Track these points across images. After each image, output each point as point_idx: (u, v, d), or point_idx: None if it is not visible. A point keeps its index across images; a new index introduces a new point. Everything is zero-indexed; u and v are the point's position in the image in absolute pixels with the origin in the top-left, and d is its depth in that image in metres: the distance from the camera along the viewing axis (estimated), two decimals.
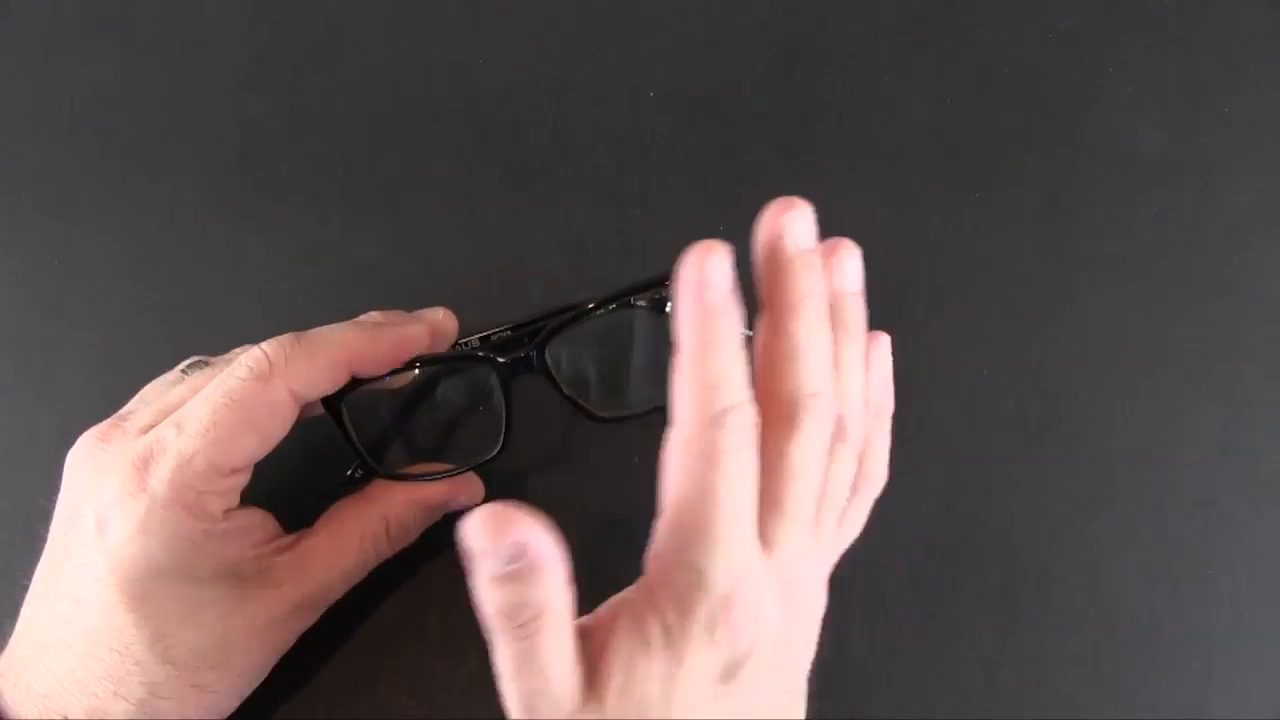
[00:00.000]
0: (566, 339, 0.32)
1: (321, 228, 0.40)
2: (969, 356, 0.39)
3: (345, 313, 0.34)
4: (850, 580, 0.37)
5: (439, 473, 0.33)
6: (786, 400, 0.25)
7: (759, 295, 0.26)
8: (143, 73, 0.42)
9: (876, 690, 0.36)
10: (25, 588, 0.31)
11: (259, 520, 0.31)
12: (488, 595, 0.23)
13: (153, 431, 0.29)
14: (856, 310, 0.28)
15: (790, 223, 0.25)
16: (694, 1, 0.43)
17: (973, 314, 0.40)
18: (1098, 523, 0.38)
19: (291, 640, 0.32)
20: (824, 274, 0.26)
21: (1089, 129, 0.42)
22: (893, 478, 0.37)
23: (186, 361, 0.33)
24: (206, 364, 0.32)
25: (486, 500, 0.34)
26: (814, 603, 0.28)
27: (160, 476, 0.28)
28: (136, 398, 0.32)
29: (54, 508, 0.31)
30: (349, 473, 0.33)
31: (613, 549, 0.37)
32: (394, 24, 0.43)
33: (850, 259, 0.28)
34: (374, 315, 0.33)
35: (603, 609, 0.26)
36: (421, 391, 0.35)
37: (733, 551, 0.23)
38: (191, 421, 0.28)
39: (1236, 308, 0.40)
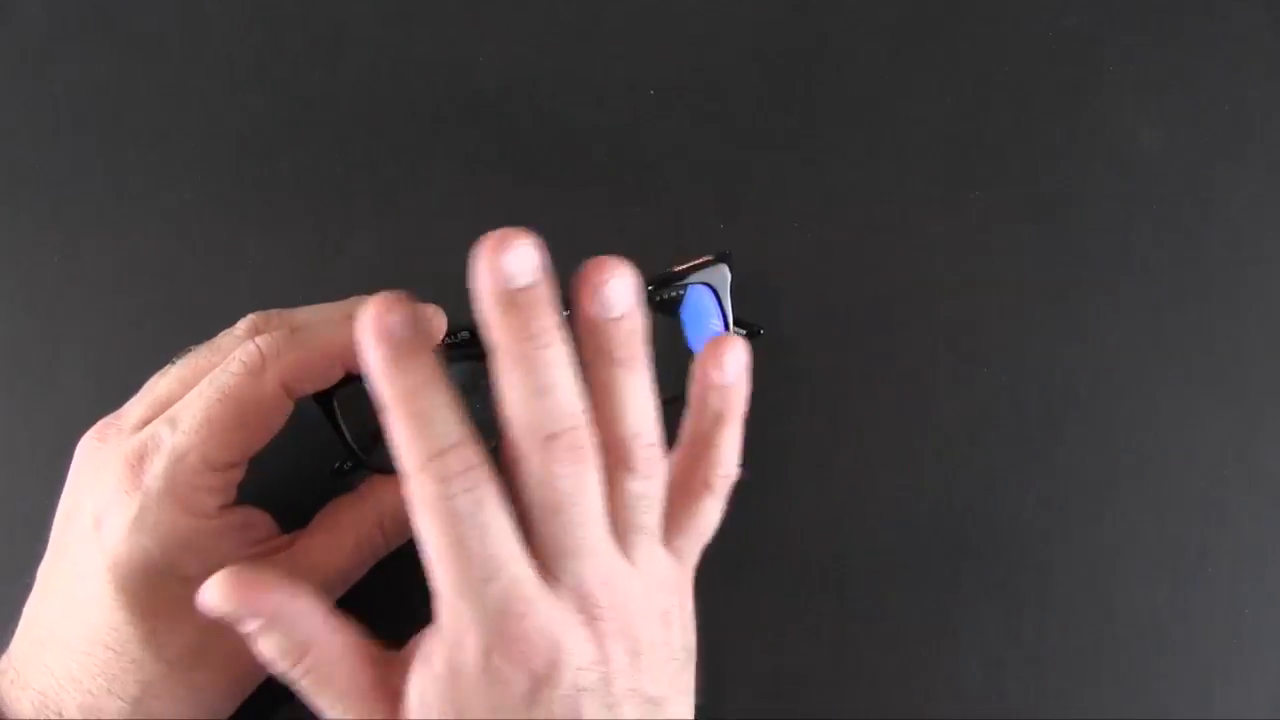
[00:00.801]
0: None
1: (321, 228, 0.40)
2: (969, 356, 0.39)
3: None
4: (850, 580, 0.37)
5: None
6: (523, 441, 0.25)
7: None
8: (142, 73, 0.42)
9: (876, 690, 0.36)
10: (27, 586, 0.31)
11: (255, 519, 0.31)
12: (258, 648, 0.25)
13: (147, 428, 0.29)
14: (623, 335, 0.26)
15: (499, 265, 0.24)
16: (694, 1, 0.43)
17: (973, 314, 0.40)
18: (1098, 522, 0.38)
19: None
20: (550, 309, 0.25)
21: (1089, 129, 0.42)
22: (893, 478, 0.37)
23: (178, 355, 0.33)
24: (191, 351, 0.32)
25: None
26: (647, 617, 0.27)
27: (154, 473, 0.28)
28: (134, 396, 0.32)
29: (54, 508, 0.31)
30: (338, 465, 0.33)
31: None
32: (394, 23, 0.43)
33: (612, 284, 0.25)
34: (363, 300, 0.33)
35: (414, 638, 0.27)
36: None
37: (501, 593, 0.24)
38: (185, 418, 0.28)
39: (1236, 308, 0.40)
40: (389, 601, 0.36)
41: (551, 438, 0.24)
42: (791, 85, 0.42)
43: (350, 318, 0.31)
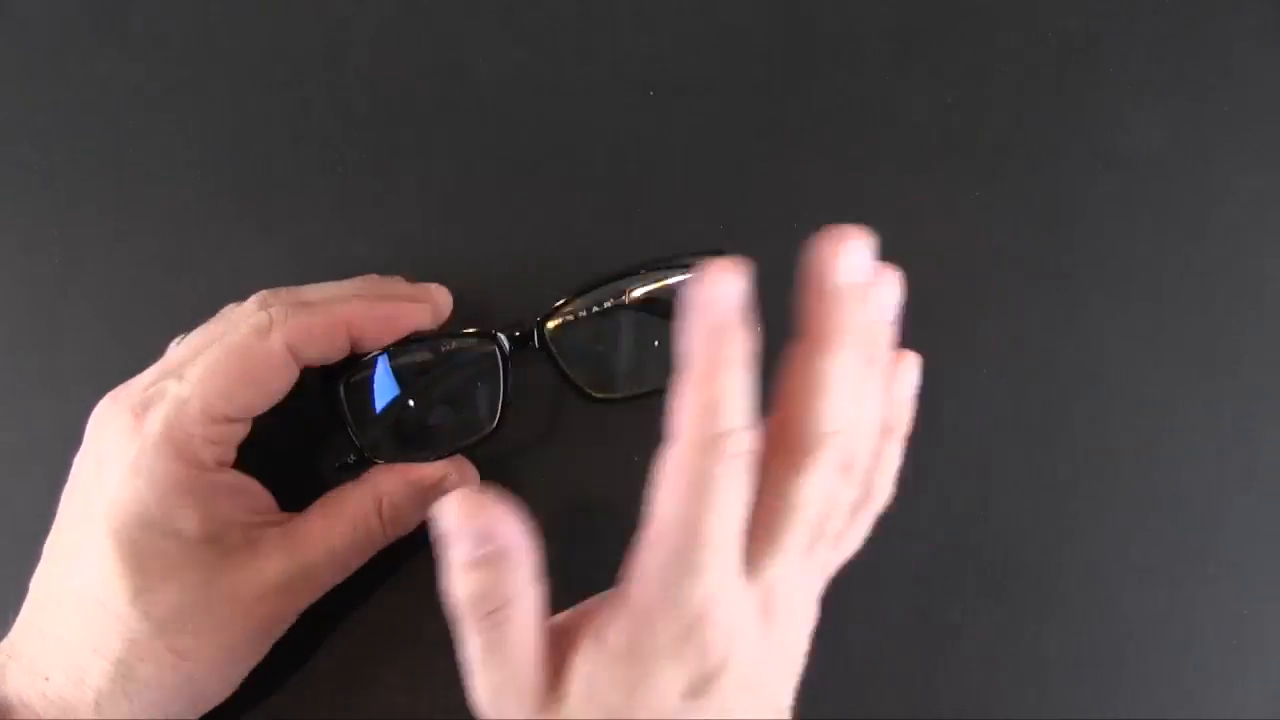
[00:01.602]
0: (567, 319, 0.33)
1: (321, 228, 0.40)
2: (969, 356, 0.39)
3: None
4: (850, 581, 0.37)
5: (432, 454, 0.33)
6: (802, 433, 0.24)
7: (799, 320, 0.25)
8: (143, 72, 0.42)
9: (876, 690, 0.36)
10: (23, 586, 0.31)
11: (253, 489, 0.31)
12: (458, 580, 0.23)
13: (155, 384, 0.30)
14: (886, 340, 0.27)
15: (843, 256, 0.24)
16: (694, 1, 0.43)
17: (973, 314, 0.40)
18: (1098, 523, 0.38)
19: (282, 622, 0.31)
20: (866, 306, 0.25)
21: (1089, 129, 0.42)
22: (894, 478, 0.37)
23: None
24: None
25: (482, 485, 0.34)
26: (799, 622, 0.28)
27: (155, 418, 0.28)
28: None
29: (55, 508, 0.31)
30: (344, 460, 0.33)
31: (604, 538, 0.37)
32: (394, 23, 0.43)
33: (889, 289, 0.27)
34: (372, 278, 0.34)
35: (578, 609, 0.26)
36: (418, 373, 0.35)
37: (710, 577, 0.23)
38: (190, 370, 0.29)
39: (1236, 307, 0.40)
40: (389, 602, 0.36)
41: (818, 442, 0.24)
42: (791, 85, 0.42)
43: (359, 295, 0.32)
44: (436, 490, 0.33)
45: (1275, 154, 0.42)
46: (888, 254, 0.40)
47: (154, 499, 0.28)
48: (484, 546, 0.23)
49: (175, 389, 0.29)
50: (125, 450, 0.28)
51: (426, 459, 0.33)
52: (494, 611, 0.23)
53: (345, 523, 0.31)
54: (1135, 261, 0.40)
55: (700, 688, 0.24)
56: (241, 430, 0.30)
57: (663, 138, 0.41)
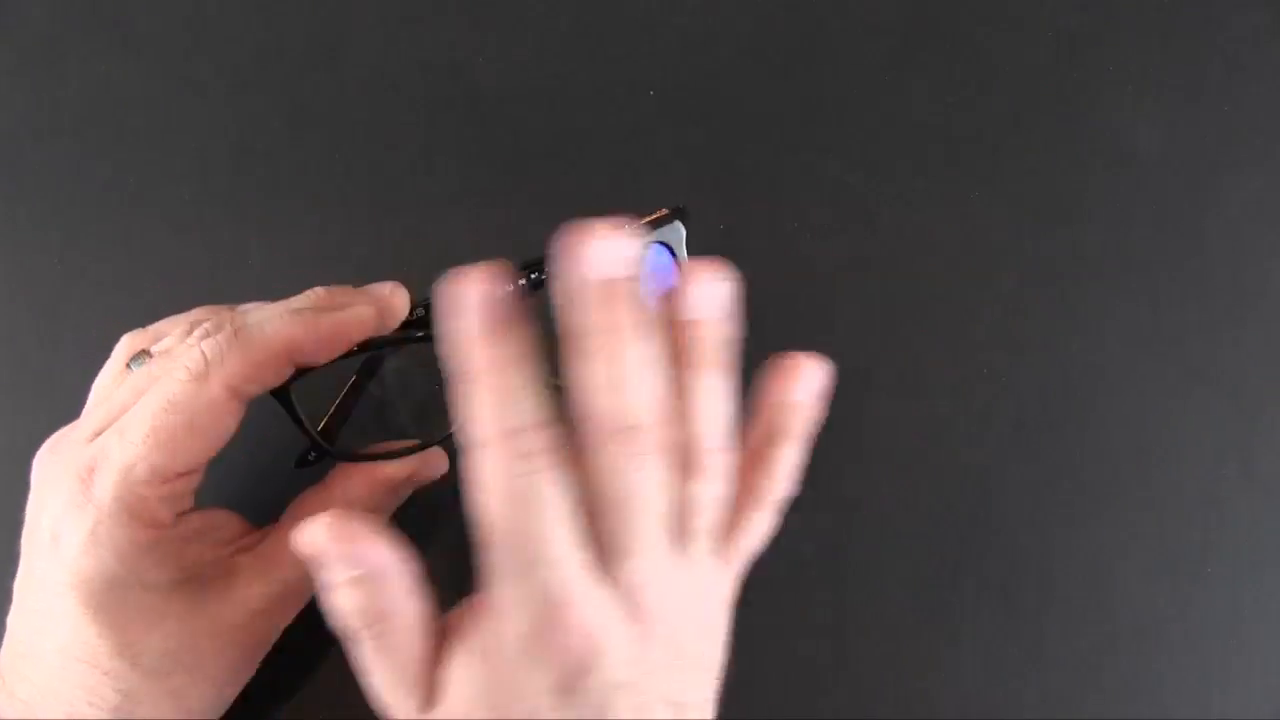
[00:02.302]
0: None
1: (321, 228, 0.40)
2: (969, 356, 0.39)
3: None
4: (850, 580, 0.37)
5: (396, 451, 0.32)
6: (596, 432, 0.24)
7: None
8: (143, 73, 0.42)
9: (876, 690, 0.36)
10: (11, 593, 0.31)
11: (219, 521, 0.30)
12: (337, 597, 0.24)
13: (98, 439, 0.28)
14: (710, 339, 0.26)
15: (588, 255, 0.24)
16: (694, 1, 0.43)
17: (973, 314, 0.40)
18: (1098, 523, 0.38)
19: (270, 638, 0.31)
20: (641, 304, 0.25)
21: (1089, 129, 0.42)
22: (894, 479, 0.37)
23: (130, 354, 0.32)
24: (148, 356, 0.31)
25: (451, 474, 0.33)
26: (686, 623, 0.27)
27: (104, 486, 0.27)
28: (90, 397, 0.32)
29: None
30: (303, 456, 0.32)
31: None
32: (393, 23, 0.43)
33: (707, 288, 0.26)
34: (318, 292, 0.32)
35: (460, 607, 0.26)
36: (377, 368, 0.34)
37: (549, 576, 0.24)
38: (132, 428, 0.28)
39: (1236, 307, 0.40)
40: None
41: (624, 431, 0.24)
42: (791, 85, 0.42)
43: (298, 312, 0.30)
44: (407, 484, 0.33)
45: (1275, 154, 0.42)
46: (888, 254, 0.41)
47: (119, 564, 0.27)
48: (355, 569, 0.24)
49: (119, 452, 0.28)
50: (78, 521, 0.27)
51: (395, 454, 0.32)
52: (374, 624, 0.25)
53: None
54: (1135, 261, 0.40)
55: (568, 687, 0.24)
56: (196, 479, 0.29)
57: (663, 138, 0.41)
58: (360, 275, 0.39)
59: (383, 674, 0.25)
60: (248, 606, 0.30)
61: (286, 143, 0.41)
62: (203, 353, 0.28)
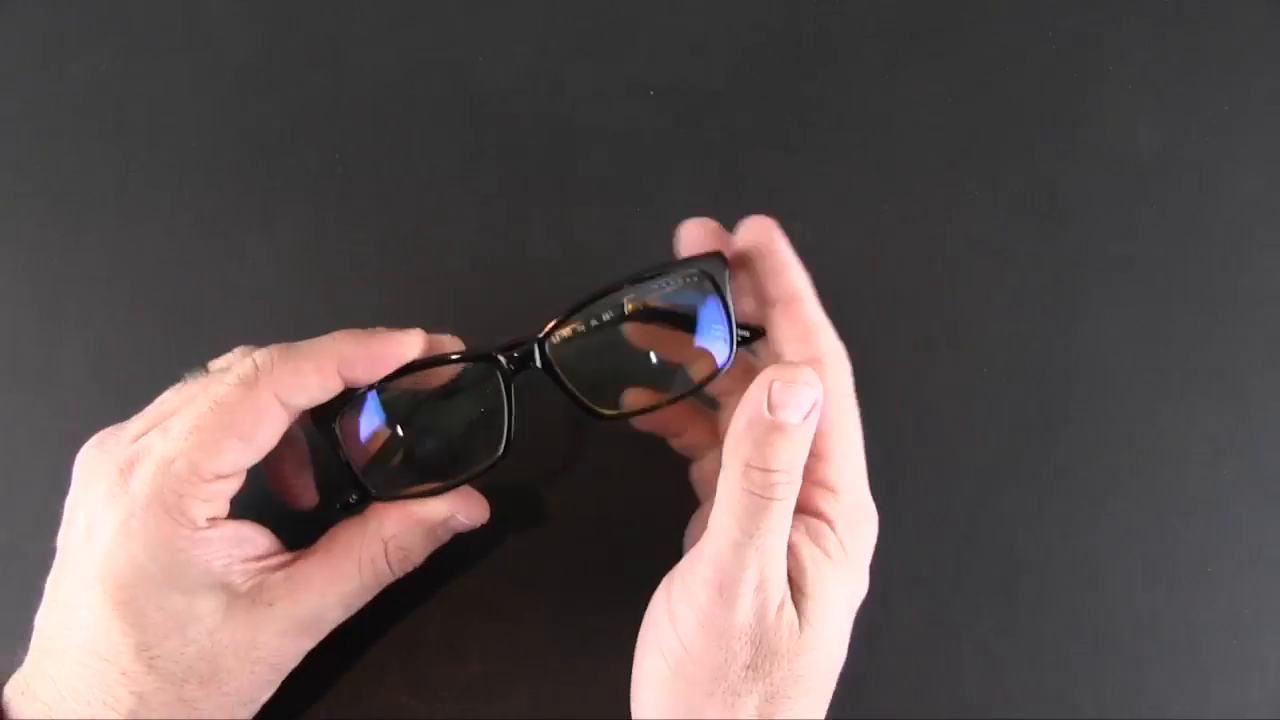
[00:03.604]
0: (565, 335, 0.31)
1: (321, 228, 0.40)
2: (969, 356, 0.39)
3: (344, 312, 0.34)
4: None
5: (437, 487, 0.32)
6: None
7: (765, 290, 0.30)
8: (143, 73, 0.42)
9: (877, 690, 0.36)
10: (24, 585, 0.31)
11: (250, 534, 0.30)
12: (782, 443, 0.27)
13: (143, 438, 0.29)
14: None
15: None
16: (694, 1, 0.43)
17: (973, 314, 0.40)
18: (1098, 522, 0.38)
19: (288, 664, 0.31)
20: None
21: (1089, 129, 0.42)
22: (894, 478, 0.37)
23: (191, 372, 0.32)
24: (206, 372, 0.32)
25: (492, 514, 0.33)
26: None
27: (141, 479, 0.28)
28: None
29: (54, 508, 0.31)
30: (345, 500, 0.32)
31: (623, 550, 0.37)
32: (394, 23, 0.43)
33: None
34: (354, 331, 0.32)
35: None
36: (419, 404, 0.34)
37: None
38: (176, 426, 0.28)
39: (1236, 308, 0.40)
40: (391, 603, 0.36)
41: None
42: (791, 85, 0.42)
43: (350, 331, 0.30)
44: (444, 528, 0.32)
45: (1275, 154, 0.42)
46: (888, 253, 0.41)
47: (148, 560, 0.28)
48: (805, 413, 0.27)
49: (161, 447, 0.28)
50: (114, 512, 0.28)
51: (433, 492, 0.32)
52: (791, 482, 0.27)
53: (350, 566, 0.31)
54: (1135, 261, 0.40)
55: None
56: (234, 484, 0.29)
57: (662, 137, 0.41)
58: (360, 275, 0.40)
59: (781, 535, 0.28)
60: (272, 626, 0.29)
61: (286, 143, 0.41)
62: (254, 361, 0.29)
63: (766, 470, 0.27)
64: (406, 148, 0.41)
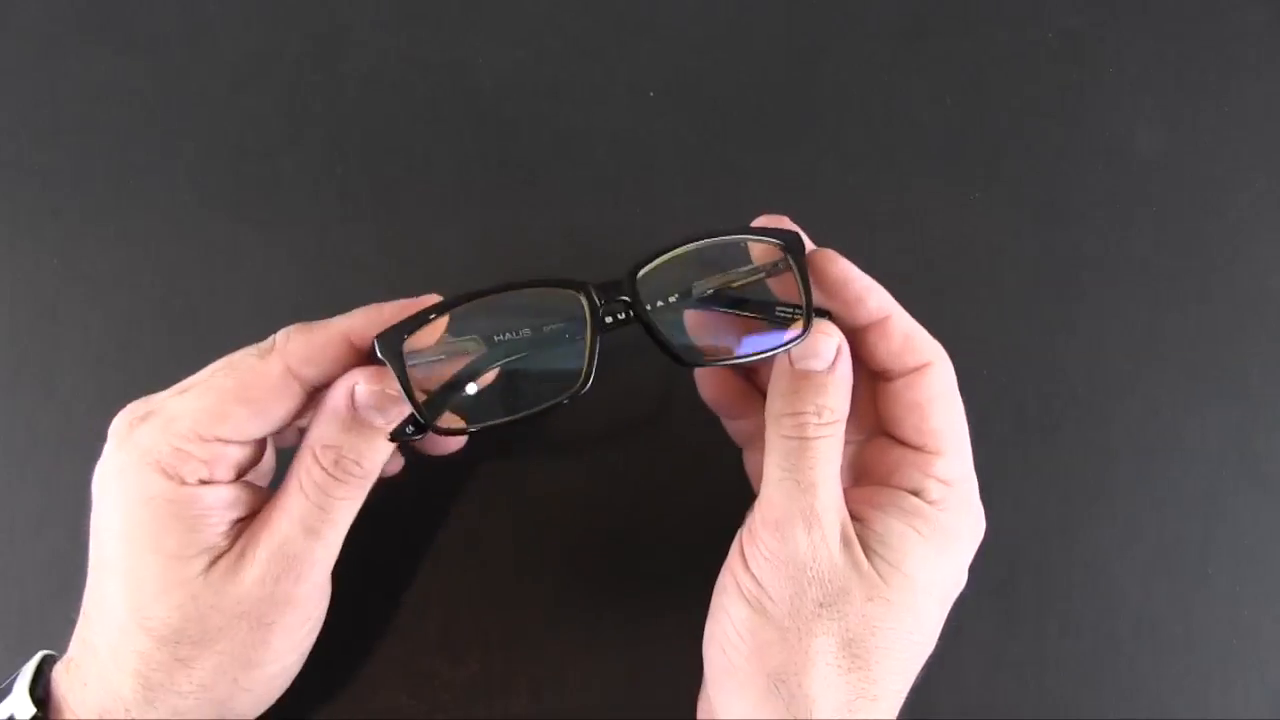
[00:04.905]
0: (658, 273, 0.30)
1: (321, 228, 0.40)
2: (969, 356, 0.39)
3: (344, 312, 0.34)
4: None
5: (497, 423, 0.30)
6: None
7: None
8: (142, 73, 0.42)
9: None
10: (23, 584, 0.31)
11: (243, 496, 0.30)
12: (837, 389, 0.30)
13: (160, 397, 0.30)
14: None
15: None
16: (694, 1, 0.43)
17: (973, 314, 0.40)
18: (1098, 523, 0.38)
19: (274, 618, 0.30)
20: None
21: (1089, 129, 0.42)
22: None
23: None
24: None
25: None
26: None
27: (144, 431, 0.29)
28: None
29: (54, 507, 0.31)
30: (401, 428, 0.30)
31: (623, 551, 0.37)
32: (393, 23, 0.43)
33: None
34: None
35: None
36: (488, 332, 0.32)
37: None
38: (191, 389, 0.30)
39: (1236, 308, 0.40)
40: (390, 602, 0.36)
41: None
42: (791, 85, 0.42)
43: (366, 308, 0.30)
44: (352, 408, 0.30)
45: (1275, 154, 0.42)
46: (888, 253, 0.41)
47: (144, 512, 0.28)
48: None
49: (170, 406, 0.29)
50: (115, 461, 0.29)
51: (500, 425, 0.30)
52: (823, 422, 0.29)
53: (293, 484, 0.30)
54: (1135, 261, 0.40)
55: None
56: (241, 452, 0.30)
57: (663, 138, 0.41)
58: (360, 276, 0.40)
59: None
60: (247, 575, 0.29)
61: (286, 143, 0.41)
62: (273, 338, 0.30)
63: (795, 413, 0.29)
64: (406, 147, 0.41)
